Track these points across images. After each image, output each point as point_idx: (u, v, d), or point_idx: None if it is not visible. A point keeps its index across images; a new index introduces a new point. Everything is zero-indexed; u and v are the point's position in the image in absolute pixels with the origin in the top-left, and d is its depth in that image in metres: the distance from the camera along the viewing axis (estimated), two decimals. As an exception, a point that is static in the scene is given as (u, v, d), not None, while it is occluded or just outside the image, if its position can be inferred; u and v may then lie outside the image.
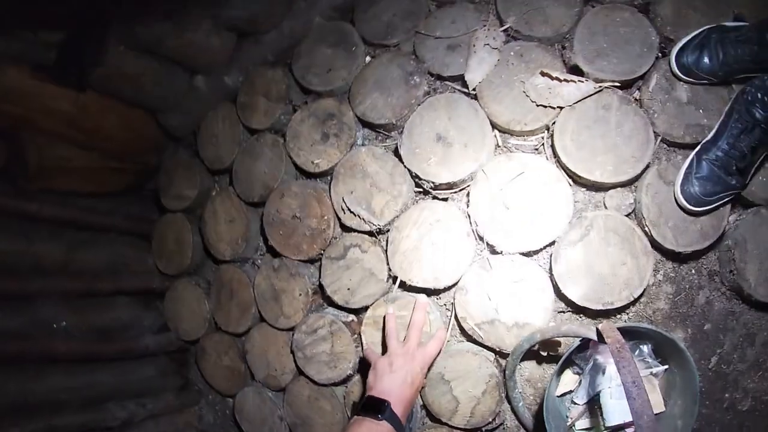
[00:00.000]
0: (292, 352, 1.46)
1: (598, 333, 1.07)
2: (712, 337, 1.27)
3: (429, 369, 1.27)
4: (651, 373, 1.22)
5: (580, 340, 1.15)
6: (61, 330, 1.36)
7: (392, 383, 1.09)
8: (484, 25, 1.32)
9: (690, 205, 1.14)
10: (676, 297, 1.29)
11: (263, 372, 1.51)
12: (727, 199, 1.13)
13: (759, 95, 1.05)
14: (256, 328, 1.52)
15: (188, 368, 1.65)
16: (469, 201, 1.30)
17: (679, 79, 1.19)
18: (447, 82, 1.37)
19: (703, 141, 1.13)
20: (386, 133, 1.40)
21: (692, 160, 1.15)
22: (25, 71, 1.24)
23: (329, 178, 1.42)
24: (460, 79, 1.35)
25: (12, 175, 1.33)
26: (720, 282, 1.25)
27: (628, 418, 1.21)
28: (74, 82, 1.38)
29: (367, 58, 1.42)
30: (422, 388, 1.27)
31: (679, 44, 1.19)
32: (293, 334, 1.44)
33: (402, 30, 1.39)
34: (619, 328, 1.13)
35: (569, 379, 1.28)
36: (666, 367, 1.22)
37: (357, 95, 1.40)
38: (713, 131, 1.13)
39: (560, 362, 1.15)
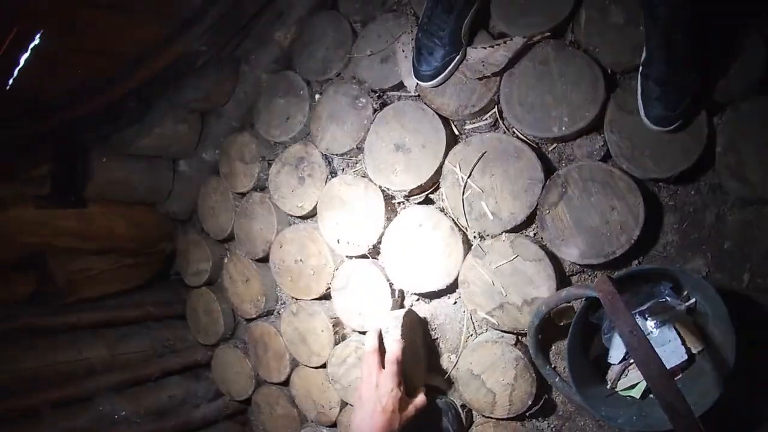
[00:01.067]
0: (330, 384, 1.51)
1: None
2: (736, 253, 1.18)
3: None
4: (679, 312, 1.15)
5: (586, 301, 1.13)
6: (121, 420, 1.49)
7: (362, 418, 1.12)
8: (406, 31, 1.35)
9: (663, 126, 1.09)
10: (683, 225, 1.22)
11: (313, 412, 1.57)
12: (694, 103, 1.07)
13: None
14: (295, 372, 1.59)
15: (251, 427, 1.73)
16: (444, 197, 1.32)
17: (435, 86, 1.26)
18: (390, 93, 1.41)
19: (642, 60, 1.09)
20: (354, 158, 1.45)
21: (641, 83, 1.10)
22: (29, 205, 1.40)
23: (315, 216, 1.48)
24: (401, 86, 1.38)
25: (46, 296, 1.50)
26: (725, 193, 1.17)
27: (674, 361, 1.16)
28: (74, 201, 1.54)
29: (317, 96, 1.49)
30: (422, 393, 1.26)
31: (410, 69, 1.26)
32: (327, 369, 1.49)
33: (337, 59, 1.45)
34: (622, 276, 1.10)
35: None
36: (691, 301, 1.16)
37: (317, 133, 1.47)
38: (644, 47, 1.08)
39: (570, 329, 1.12)
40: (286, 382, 1.63)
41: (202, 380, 1.73)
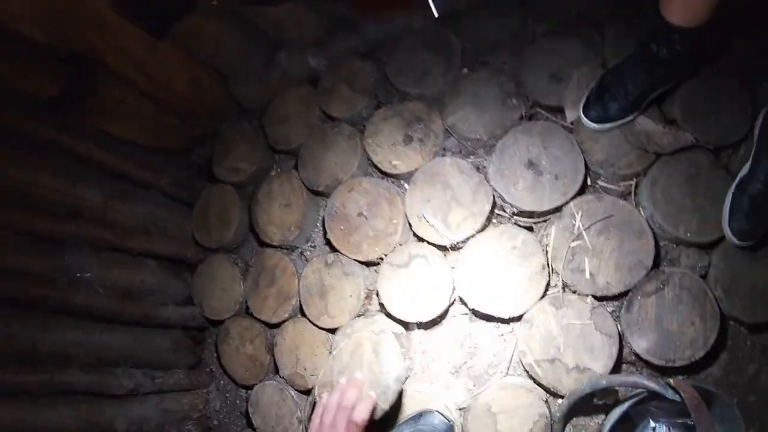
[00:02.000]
0: (330, 353, 1.39)
1: (672, 388, 1.06)
2: (755, 409, 1.28)
3: None
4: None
5: (644, 393, 1.14)
6: (84, 281, 1.26)
7: None
8: (590, 64, 1.32)
9: (742, 240, 1.16)
10: (728, 365, 1.30)
11: (290, 369, 1.44)
12: None
13: None
14: (292, 321, 1.45)
15: (204, 348, 1.54)
16: (549, 234, 1.28)
17: (597, 130, 1.27)
18: (544, 111, 1.36)
19: (743, 174, 1.17)
20: (473, 148, 1.37)
21: (734, 195, 1.18)
22: (112, 6, 1.15)
23: (405, 182, 1.37)
24: (558, 110, 1.34)
25: (68, 106, 1.23)
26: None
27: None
28: (154, 28, 1.29)
29: (464, 70, 1.39)
30: None
31: (581, 102, 1.27)
32: (335, 336, 1.37)
33: (503, 45, 1.38)
34: (698, 386, 1.13)
35: None
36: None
37: (449, 105, 1.37)
38: (748, 164, 1.17)
39: (621, 412, 1.13)
40: (275, 326, 1.47)
41: (180, 280, 1.52)
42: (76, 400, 1.19)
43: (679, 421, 1.21)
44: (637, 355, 1.26)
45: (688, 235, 1.24)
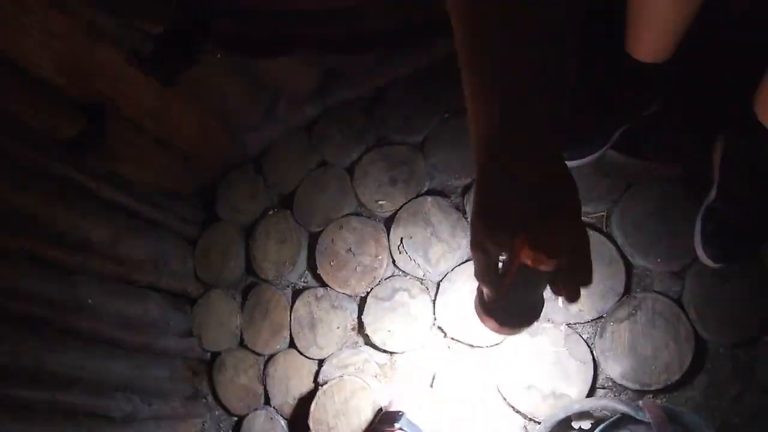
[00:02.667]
0: (315, 383, 1.45)
1: (640, 409, 1.10)
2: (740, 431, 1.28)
3: None
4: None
5: (615, 416, 1.18)
6: (89, 308, 1.36)
7: None
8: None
9: (714, 262, 1.20)
10: (708, 388, 1.31)
11: (281, 398, 1.51)
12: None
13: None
14: (283, 352, 1.52)
15: (201, 379, 1.61)
16: (523, 264, 1.36)
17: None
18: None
19: (707, 201, 1.23)
20: (452, 188, 1.48)
21: (702, 221, 1.23)
22: (123, 54, 1.32)
23: (390, 220, 1.48)
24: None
25: (83, 148, 1.38)
26: (754, 377, 1.28)
27: None
28: (163, 77, 1.45)
29: (446, 115, 1.53)
30: None
31: None
32: (322, 366, 1.44)
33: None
34: (666, 408, 1.16)
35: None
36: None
37: (431, 148, 1.50)
38: (714, 188, 1.23)
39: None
40: (268, 357, 1.55)
41: (180, 313, 1.61)
42: (77, 420, 1.26)
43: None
44: (612, 381, 1.30)
45: (659, 261, 1.30)
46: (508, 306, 0.64)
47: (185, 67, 1.46)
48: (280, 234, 1.61)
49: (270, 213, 1.65)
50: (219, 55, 1.50)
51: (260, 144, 1.71)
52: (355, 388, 1.39)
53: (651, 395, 1.28)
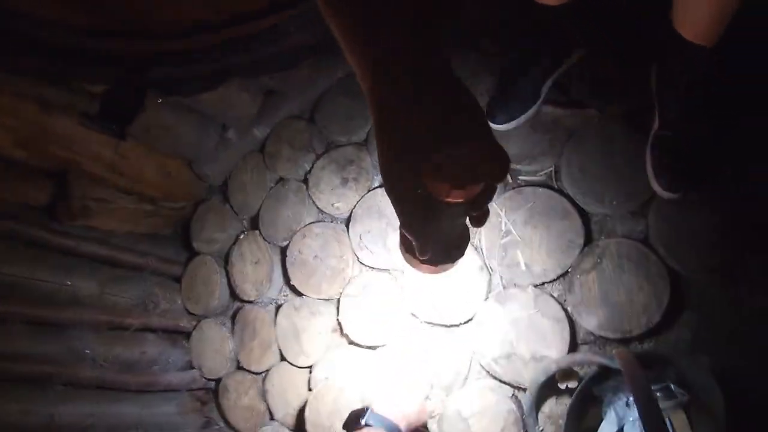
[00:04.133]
0: (310, 390, 1.48)
1: (614, 358, 1.07)
2: (740, 365, 1.22)
3: None
4: (678, 404, 1.17)
5: (597, 369, 1.15)
6: (89, 358, 1.45)
7: None
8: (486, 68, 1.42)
9: (670, 192, 1.18)
10: (700, 324, 1.25)
11: (282, 411, 1.54)
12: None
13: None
14: (276, 367, 1.56)
15: (211, 408, 1.68)
16: (480, 236, 1.35)
17: (505, 131, 1.34)
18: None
19: (653, 131, 1.21)
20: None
21: (651, 152, 1.20)
22: (74, 119, 1.40)
23: (348, 219, 1.50)
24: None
25: (55, 212, 1.48)
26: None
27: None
28: (115, 131, 1.52)
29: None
30: None
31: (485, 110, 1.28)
32: (313, 372, 1.47)
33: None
34: (637, 354, 1.12)
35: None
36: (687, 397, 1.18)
37: (374, 142, 1.50)
38: (656, 118, 1.20)
39: (575, 394, 1.13)
40: (264, 374, 1.59)
41: (178, 347, 1.68)
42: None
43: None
44: (592, 334, 1.26)
45: (614, 204, 1.26)
46: (437, 245, 0.61)
47: (133, 117, 1.54)
48: (253, 254, 1.66)
49: (241, 236, 1.70)
50: (160, 101, 1.57)
51: (221, 173, 1.76)
52: (342, 386, 1.41)
53: (636, 342, 1.24)
